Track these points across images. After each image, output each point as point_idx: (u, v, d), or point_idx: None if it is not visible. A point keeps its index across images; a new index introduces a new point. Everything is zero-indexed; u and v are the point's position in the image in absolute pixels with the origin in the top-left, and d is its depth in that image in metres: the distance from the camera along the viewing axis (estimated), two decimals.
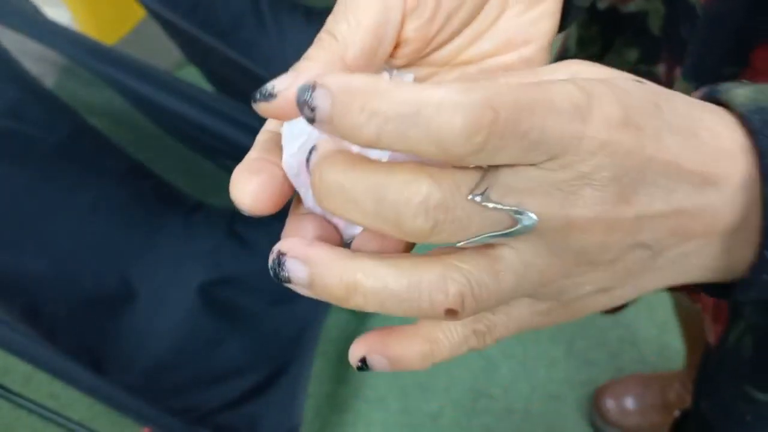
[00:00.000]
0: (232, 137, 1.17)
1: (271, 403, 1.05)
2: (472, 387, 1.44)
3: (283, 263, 0.25)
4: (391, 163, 0.23)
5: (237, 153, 1.23)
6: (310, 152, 0.25)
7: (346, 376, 1.48)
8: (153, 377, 1.11)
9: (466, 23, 0.31)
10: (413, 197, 0.22)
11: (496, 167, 0.23)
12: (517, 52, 0.32)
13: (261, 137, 0.30)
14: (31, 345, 0.90)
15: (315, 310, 1.07)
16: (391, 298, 0.23)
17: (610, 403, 1.33)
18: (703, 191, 0.25)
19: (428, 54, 0.32)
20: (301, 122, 0.27)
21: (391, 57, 0.31)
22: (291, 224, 0.28)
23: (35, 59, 1.17)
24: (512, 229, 0.23)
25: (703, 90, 0.28)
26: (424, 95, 0.20)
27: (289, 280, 0.25)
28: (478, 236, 0.23)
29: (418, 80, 0.32)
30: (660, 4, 0.56)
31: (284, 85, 0.26)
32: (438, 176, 0.22)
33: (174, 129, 1.29)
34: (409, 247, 0.27)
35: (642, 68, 0.62)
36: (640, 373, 1.37)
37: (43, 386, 1.48)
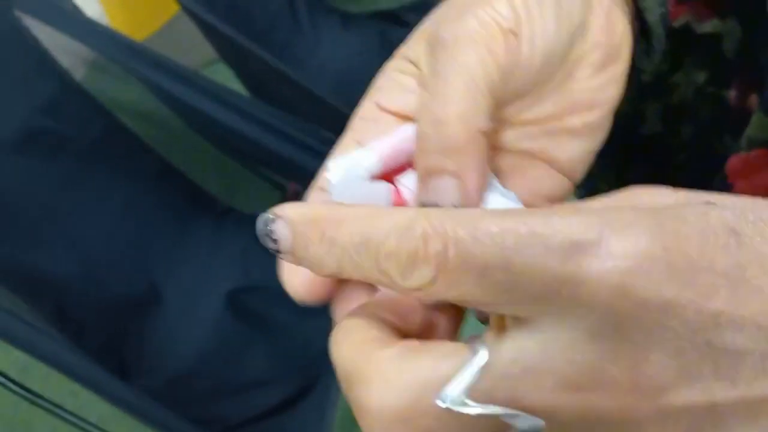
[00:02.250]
0: (264, 142, 1.16)
1: (299, 419, 1.03)
2: None
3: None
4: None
5: (269, 158, 1.22)
6: None
7: None
8: (177, 384, 1.09)
9: (532, 87, 0.29)
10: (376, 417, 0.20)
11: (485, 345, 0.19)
12: (581, 117, 0.29)
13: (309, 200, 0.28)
14: (54, 348, 0.89)
15: None
16: None
17: None
18: None
19: None
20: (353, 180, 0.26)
21: None
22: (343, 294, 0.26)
23: (64, 53, 1.16)
24: None
25: None
26: (374, 222, 0.20)
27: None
28: None
29: None
30: (737, 27, 0.53)
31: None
32: (411, 371, 0.20)
33: (204, 130, 1.27)
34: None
35: (710, 90, 0.60)
36: None
37: (63, 383, 1.47)
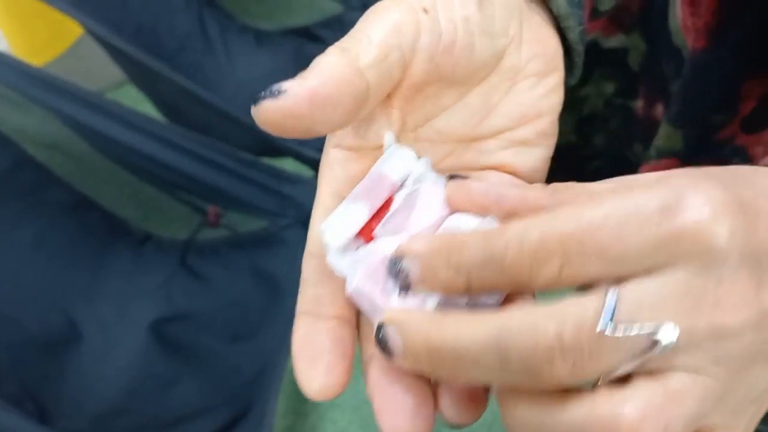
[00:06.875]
0: (180, 165, 1.13)
1: None
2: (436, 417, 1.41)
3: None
4: (500, 310, 0.23)
5: (186, 182, 1.19)
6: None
7: (305, 409, 1.43)
8: (102, 424, 1.05)
9: (470, 80, 0.30)
10: (542, 341, 0.21)
11: (613, 287, 0.22)
12: (532, 126, 0.32)
13: (306, 272, 0.29)
14: None
15: (278, 345, 1.03)
16: None
17: None
18: None
19: (435, 116, 0.31)
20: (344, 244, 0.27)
21: (391, 100, 0.29)
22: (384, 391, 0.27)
23: None
24: (655, 351, 0.21)
25: None
26: (492, 241, 0.23)
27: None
28: (621, 366, 0.22)
29: (435, 161, 0.31)
30: (641, 41, 0.56)
31: (290, 84, 0.25)
32: (558, 313, 0.21)
33: (116, 156, 1.23)
34: None
35: (618, 101, 0.62)
36: None
37: None
